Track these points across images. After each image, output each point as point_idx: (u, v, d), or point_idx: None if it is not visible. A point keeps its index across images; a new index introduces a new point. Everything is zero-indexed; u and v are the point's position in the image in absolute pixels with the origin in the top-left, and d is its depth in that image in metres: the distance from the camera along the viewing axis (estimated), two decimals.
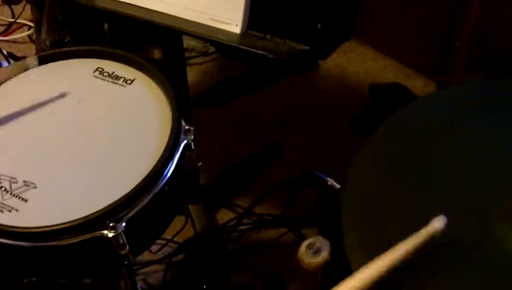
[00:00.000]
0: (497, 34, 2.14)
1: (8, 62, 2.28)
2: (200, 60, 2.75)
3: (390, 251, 0.89)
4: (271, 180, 2.23)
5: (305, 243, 1.04)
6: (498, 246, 0.93)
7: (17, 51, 2.69)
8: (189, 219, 2.01)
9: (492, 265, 0.92)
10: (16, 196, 1.17)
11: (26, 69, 1.42)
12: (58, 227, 1.10)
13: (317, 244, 1.04)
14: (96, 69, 1.42)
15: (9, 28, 2.95)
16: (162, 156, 1.21)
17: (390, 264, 0.88)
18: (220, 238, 2.09)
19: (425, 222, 0.90)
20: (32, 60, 1.43)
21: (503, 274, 0.91)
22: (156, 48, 2.42)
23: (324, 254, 1.03)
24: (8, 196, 1.17)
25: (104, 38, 2.18)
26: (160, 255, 1.98)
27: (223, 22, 1.39)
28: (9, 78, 1.41)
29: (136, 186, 1.16)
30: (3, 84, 1.40)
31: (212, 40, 1.52)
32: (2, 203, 1.16)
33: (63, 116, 1.33)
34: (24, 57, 1.49)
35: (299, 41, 1.34)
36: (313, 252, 1.04)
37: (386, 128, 1.12)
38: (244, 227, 2.12)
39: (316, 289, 1.31)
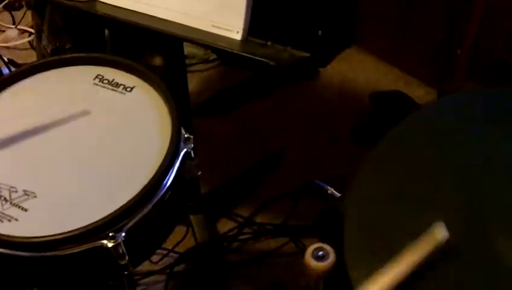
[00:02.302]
0: (498, 42, 2.13)
1: (9, 69, 2.27)
2: (201, 67, 2.74)
3: (391, 264, 0.89)
4: (272, 190, 2.22)
5: (311, 248, 1.05)
6: (498, 259, 0.92)
7: (17, 57, 2.69)
8: (190, 228, 2.00)
9: (492, 277, 0.91)
10: (16, 205, 1.17)
11: None
12: (58, 237, 1.10)
13: (323, 250, 1.04)
14: (96, 76, 1.42)
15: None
16: (161, 164, 1.21)
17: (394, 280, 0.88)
18: (221, 248, 2.08)
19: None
20: None
21: (503, 286, 0.90)
22: (157, 55, 2.42)
23: (330, 260, 1.03)
24: (7, 205, 1.17)
25: (105, 45, 2.18)
26: (161, 265, 1.97)
27: (224, 29, 1.39)
28: None
29: (136, 195, 1.16)
30: (4, 91, 1.40)
31: (213, 47, 1.52)
32: (1, 213, 1.16)
33: (63, 124, 1.33)
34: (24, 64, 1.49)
35: (300, 49, 1.34)
36: (319, 257, 1.04)
37: (388, 139, 1.12)
38: (245, 237, 2.11)
39: None
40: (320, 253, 1.04)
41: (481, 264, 0.93)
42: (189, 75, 1.93)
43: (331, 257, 1.04)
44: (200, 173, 1.36)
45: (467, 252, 0.93)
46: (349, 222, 1.00)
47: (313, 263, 1.04)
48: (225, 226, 2.14)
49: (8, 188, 1.20)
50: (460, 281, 0.91)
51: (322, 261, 1.04)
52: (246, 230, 2.13)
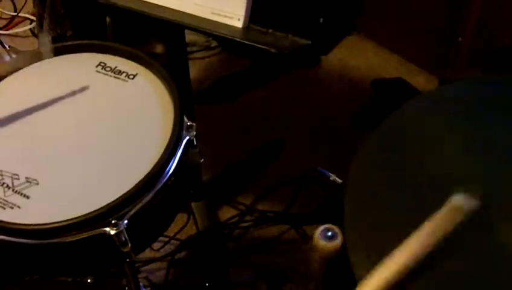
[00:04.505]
0: (500, 30, 2.13)
1: (10, 57, 2.27)
2: (202, 54, 2.75)
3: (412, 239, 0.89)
4: (273, 177, 2.23)
5: (320, 228, 1.05)
6: (498, 246, 0.92)
7: (19, 44, 2.70)
8: (191, 216, 2.01)
9: (492, 265, 0.91)
10: (18, 193, 1.17)
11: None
12: (60, 224, 1.10)
13: (332, 230, 1.04)
14: (99, 64, 1.42)
15: (11, 22, 2.95)
16: (164, 152, 1.21)
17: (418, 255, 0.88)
18: (222, 236, 2.09)
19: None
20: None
21: (503, 274, 0.90)
22: (159, 42, 2.42)
23: (338, 240, 1.04)
24: (10, 192, 1.17)
25: (106, 32, 2.18)
26: (162, 252, 1.98)
27: (225, 16, 1.39)
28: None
29: (138, 183, 1.16)
30: (6, 78, 1.40)
31: (214, 35, 1.52)
32: (4, 200, 1.16)
33: (65, 111, 1.33)
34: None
35: (301, 36, 1.34)
36: (328, 238, 1.04)
37: (387, 125, 1.12)
38: (246, 224, 2.12)
39: (318, 286, 1.31)
40: (330, 233, 1.05)
41: (483, 253, 0.93)
42: (190, 63, 1.93)
43: (339, 238, 1.04)
44: (202, 160, 1.37)
45: (469, 241, 0.94)
46: (349, 207, 1.00)
47: (322, 243, 1.04)
48: (226, 213, 2.15)
49: (11, 175, 1.20)
50: (462, 271, 0.91)
51: (331, 242, 1.04)
52: (248, 217, 2.13)
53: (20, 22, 2.95)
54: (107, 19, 2.18)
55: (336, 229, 1.06)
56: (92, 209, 1.11)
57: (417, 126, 1.11)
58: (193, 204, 2.01)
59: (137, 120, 1.32)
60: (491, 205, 0.96)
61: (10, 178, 1.19)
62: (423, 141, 1.08)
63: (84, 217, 1.10)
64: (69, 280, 1.61)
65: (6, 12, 2.98)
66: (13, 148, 1.27)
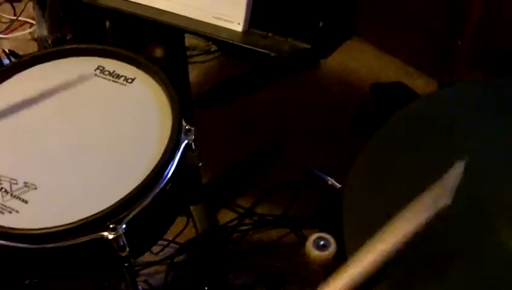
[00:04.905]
0: (500, 32, 2.13)
1: (10, 60, 2.27)
2: (202, 58, 2.74)
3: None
4: (272, 180, 2.22)
5: (312, 237, 1.04)
6: (498, 247, 0.92)
7: (18, 49, 2.69)
8: (190, 219, 2.00)
9: (492, 266, 0.91)
10: (16, 197, 1.17)
11: None
12: (58, 229, 1.10)
13: (325, 239, 1.04)
14: (97, 68, 1.42)
15: (11, 26, 2.95)
16: (162, 156, 1.21)
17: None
18: (221, 239, 2.09)
19: None
20: None
21: (503, 275, 0.90)
22: (158, 46, 2.42)
23: (331, 249, 1.03)
24: (8, 197, 1.17)
25: (106, 36, 2.18)
26: (161, 256, 1.97)
27: (225, 20, 1.39)
28: None
29: (137, 187, 1.16)
30: (5, 82, 1.40)
31: (214, 39, 1.52)
32: (2, 205, 1.16)
33: (63, 116, 1.33)
34: (26, 55, 1.49)
35: (300, 40, 1.34)
36: (320, 247, 1.04)
37: (388, 127, 1.12)
38: (245, 227, 2.11)
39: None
40: (322, 242, 1.04)
41: (483, 253, 0.93)
42: (190, 66, 1.93)
43: (333, 247, 1.04)
44: (201, 164, 1.36)
45: (469, 241, 0.94)
46: (348, 211, 1.00)
47: (314, 252, 1.04)
48: (225, 216, 2.15)
49: (9, 180, 1.20)
50: (461, 270, 0.91)
51: (324, 251, 1.04)
52: (247, 221, 2.13)
53: (20, 26, 2.95)
54: (107, 23, 2.18)
55: (329, 237, 1.05)
56: (90, 214, 1.11)
57: (417, 129, 1.11)
58: (192, 207, 2.00)
59: (135, 124, 1.32)
60: (491, 205, 0.96)
61: (8, 183, 1.20)
62: (422, 145, 1.08)
63: (83, 222, 1.11)
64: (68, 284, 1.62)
65: (6, 16, 2.98)
66: (11, 152, 1.27)
